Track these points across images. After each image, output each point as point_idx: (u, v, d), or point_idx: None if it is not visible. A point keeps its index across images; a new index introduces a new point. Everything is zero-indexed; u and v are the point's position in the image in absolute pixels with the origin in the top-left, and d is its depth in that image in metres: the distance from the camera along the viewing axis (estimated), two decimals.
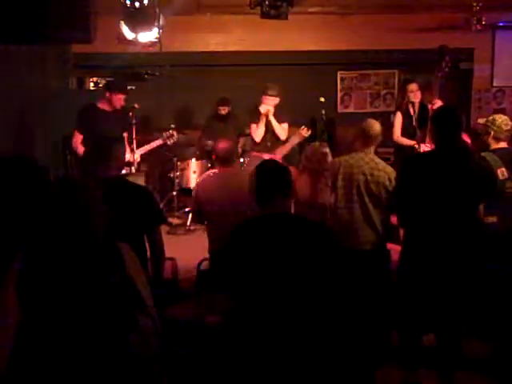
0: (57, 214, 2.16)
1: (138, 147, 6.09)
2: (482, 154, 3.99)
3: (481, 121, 4.44)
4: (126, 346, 2.11)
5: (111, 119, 5.72)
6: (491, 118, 4.25)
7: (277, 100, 6.26)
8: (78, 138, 5.65)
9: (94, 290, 2.10)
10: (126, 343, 2.12)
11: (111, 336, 2.10)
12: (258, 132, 6.28)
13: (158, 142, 6.39)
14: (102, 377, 2.08)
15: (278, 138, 6.32)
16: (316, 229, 2.65)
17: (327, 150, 4.71)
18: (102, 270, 2.12)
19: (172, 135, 6.42)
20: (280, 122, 6.30)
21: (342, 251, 2.69)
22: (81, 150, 5.32)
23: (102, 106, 5.84)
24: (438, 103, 5.53)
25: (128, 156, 5.94)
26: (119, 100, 5.81)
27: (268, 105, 6.23)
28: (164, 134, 6.42)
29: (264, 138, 6.31)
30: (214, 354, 2.88)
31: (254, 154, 6.30)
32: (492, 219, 3.76)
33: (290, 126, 6.42)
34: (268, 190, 2.63)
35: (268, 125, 6.26)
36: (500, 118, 4.20)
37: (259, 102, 6.29)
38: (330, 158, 4.64)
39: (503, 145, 4.16)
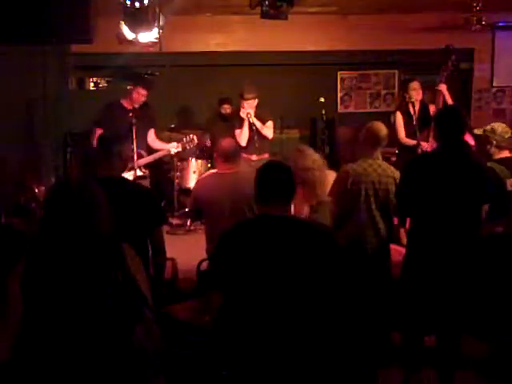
0: (59, 213, 2.20)
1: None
2: (488, 164, 3.90)
3: (477, 131, 4.35)
4: (131, 337, 2.15)
5: (131, 117, 5.57)
6: (489, 127, 4.19)
7: (255, 102, 6.20)
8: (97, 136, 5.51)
9: (97, 284, 2.14)
10: (131, 334, 2.16)
11: (117, 326, 2.14)
12: (242, 137, 6.22)
13: (178, 147, 6.27)
14: (107, 367, 2.12)
15: (265, 138, 6.30)
16: (315, 231, 2.63)
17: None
18: (104, 266, 2.16)
19: (192, 140, 6.32)
20: (264, 120, 6.27)
21: (341, 253, 2.67)
22: None
23: (126, 103, 5.79)
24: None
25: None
26: (139, 94, 5.73)
27: (247, 108, 6.17)
28: (184, 138, 6.32)
29: (251, 140, 6.25)
30: (210, 353, 2.89)
31: (243, 156, 6.23)
32: (499, 230, 3.73)
33: (290, 127, 6.40)
34: (269, 192, 2.61)
35: (252, 127, 6.19)
36: (499, 127, 4.15)
37: (239, 108, 6.24)
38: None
39: (506, 153, 4.11)
